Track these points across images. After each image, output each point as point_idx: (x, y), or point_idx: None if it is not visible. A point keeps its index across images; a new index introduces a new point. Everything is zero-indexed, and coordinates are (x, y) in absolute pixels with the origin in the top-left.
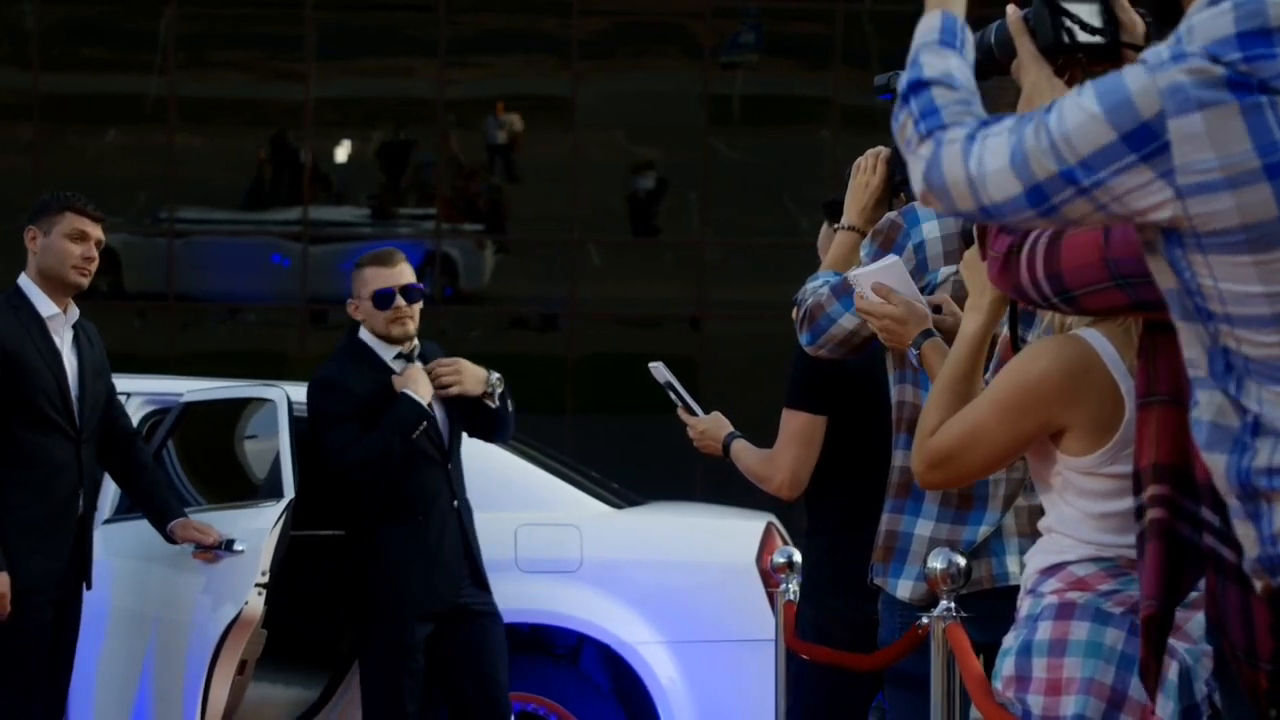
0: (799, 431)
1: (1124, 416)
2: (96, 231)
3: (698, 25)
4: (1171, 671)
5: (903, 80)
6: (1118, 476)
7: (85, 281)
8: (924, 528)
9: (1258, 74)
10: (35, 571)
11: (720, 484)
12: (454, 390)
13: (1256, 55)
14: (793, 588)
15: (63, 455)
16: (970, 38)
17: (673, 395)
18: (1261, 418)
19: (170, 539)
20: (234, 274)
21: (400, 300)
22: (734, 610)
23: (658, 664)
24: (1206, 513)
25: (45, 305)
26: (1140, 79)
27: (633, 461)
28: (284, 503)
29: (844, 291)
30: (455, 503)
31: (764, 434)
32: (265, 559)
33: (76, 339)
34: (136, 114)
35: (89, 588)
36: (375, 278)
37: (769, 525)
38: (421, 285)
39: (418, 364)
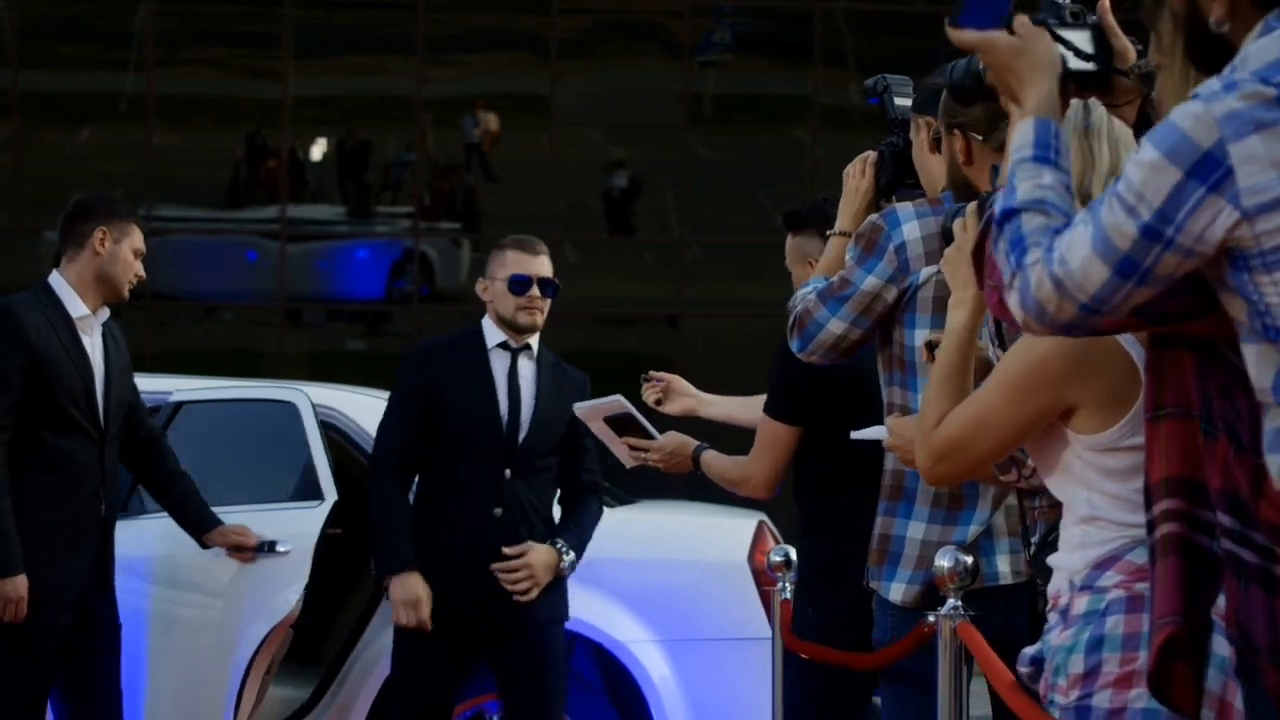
0: (772, 439)
1: (1141, 385)
2: (143, 245)
3: (677, 24)
4: (1235, 655)
5: (997, 206)
6: (1142, 449)
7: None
8: (915, 530)
9: None
10: (56, 578)
11: (697, 483)
12: (530, 596)
13: None
14: (789, 586)
15: (86, 457)
16: (1065, 142)
17: (602, 434)
18: None
19: (204, 545)
20: (212, 272)
21: (535, 290)
22: (726, 609)
23: (650, 662)
24: (1222, 518)
25: (76, 306)
26: (1193, 113)
27: (609, 459)
28: (328, 504)
29: (830, 296)
30: (498, 510)
31: (741, 434)
32: (310, 561)
33: (104, 340)
34: (114, 112)
35: (111, 592)
36: (517, 262)
37: (760, 524)
38: (557, 282)
39: (420, 594)
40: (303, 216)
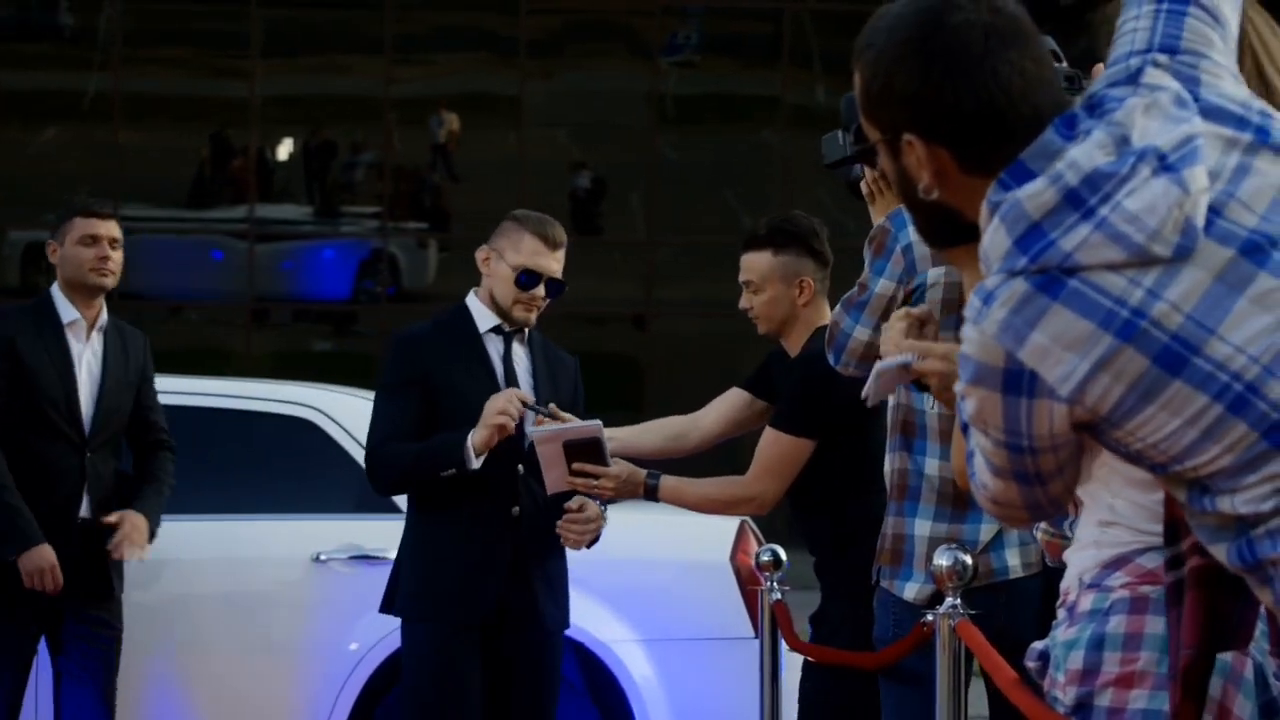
0: (789, 454)
1: None
2: (108, 229)
3: (646, 24)
4: (1248, 670)
5: (961, 416)
6: None
7: (107, 281)
8: (922, 528)
9: (1051, 264)
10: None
11: None
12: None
13: (1039, 250)
14: (777, 586)
15: (65, 462)
16: None
17: (549, 456)
18: (1243, 515)
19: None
20: (179, 272)
21: (541, 289)
22: (708, 608)
23: (632, 662)
24: None
25: (67, 311)
26: (972, 339)
27: None
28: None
29: (852, 304)
30: (516, 510)
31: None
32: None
33: (108, 345)
34: (80, 111)
35: (110, 597)
36: (534, 252)
37: (743, 524)
38: (565, 283)
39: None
40: (270, 216)
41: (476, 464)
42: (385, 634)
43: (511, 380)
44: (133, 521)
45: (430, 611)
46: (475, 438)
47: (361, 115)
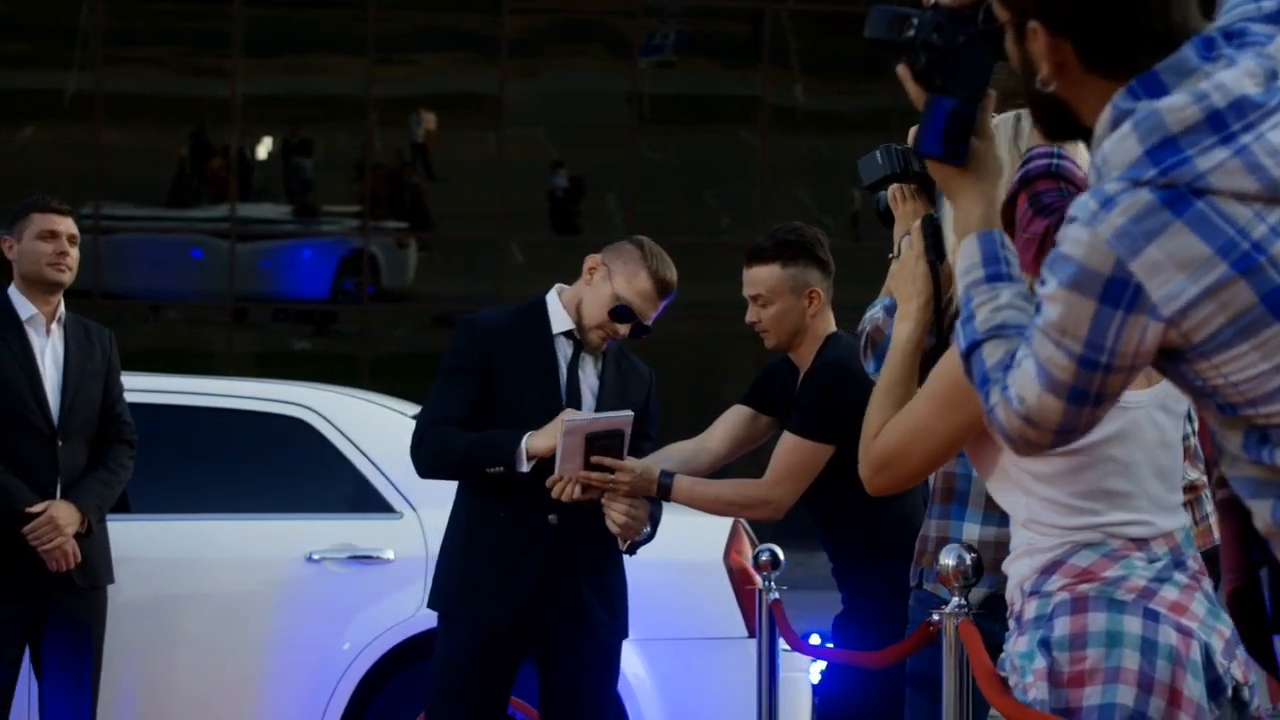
0: (809, 460)
1: None
2: (65, 226)
3: (627, 24)
4: (1194, 651)
5: (962, 341)
6: (1069, 453)
7: (65, 276)
8: (971, 532)
9: (1181, 181)
10: (4, 565)
11: None
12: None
13: (1171, 165)
14: (774, 585)
15: (35, 453)
16: (1014, 254)
17: (570, 447)
18: None
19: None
20: (159, 271)
21: (627, 329)
22: (702, 608)
23: (625, 661)
24: None
25: (25, 308)
26: (1081, 240)
27: None
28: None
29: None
30: (553, 517)
31: (695, 430)
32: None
33: (69, 337)
34: (60, 110)
35: (89, 591)
36: (641, 294)
37: (736, 524)
38: (650, 329)
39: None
40: (252, 215)
41: (526, 467)
42: (379, 634)
43: (574, 390)
44: (50, 517)
45: (457, 609)
46: (533, 442)
47: (342, 115)
